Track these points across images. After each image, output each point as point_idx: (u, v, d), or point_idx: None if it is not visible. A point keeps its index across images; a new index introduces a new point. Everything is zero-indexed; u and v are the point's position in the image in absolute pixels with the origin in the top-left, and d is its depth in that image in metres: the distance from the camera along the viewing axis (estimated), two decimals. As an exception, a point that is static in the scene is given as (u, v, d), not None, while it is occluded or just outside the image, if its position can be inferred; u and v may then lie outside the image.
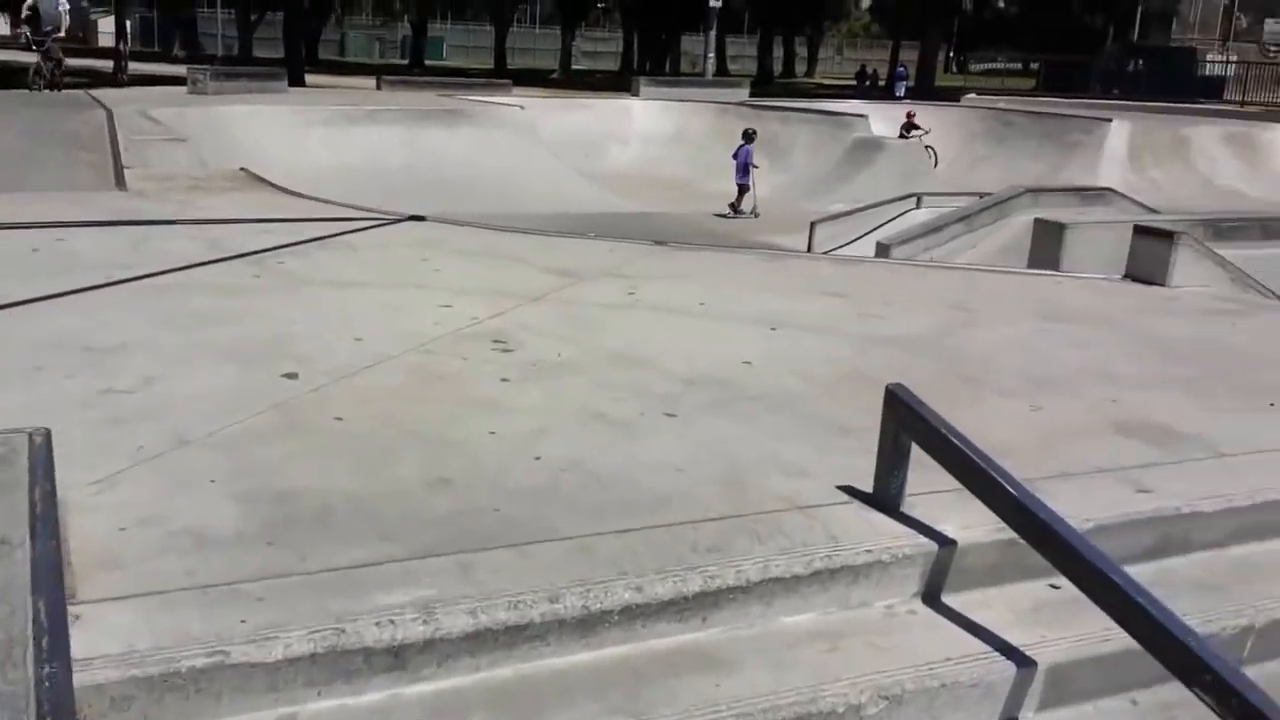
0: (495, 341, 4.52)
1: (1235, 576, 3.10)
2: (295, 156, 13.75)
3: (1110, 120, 22.79)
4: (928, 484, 2.98)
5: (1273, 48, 41.22)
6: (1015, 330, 5.38)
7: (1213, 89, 33.11)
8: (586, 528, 2.74)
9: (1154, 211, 13.31)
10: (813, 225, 15.32)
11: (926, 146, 22.43)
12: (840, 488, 3.12)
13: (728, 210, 18.49)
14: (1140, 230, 6.69)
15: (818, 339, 5.04)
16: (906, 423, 2.97)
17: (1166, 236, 6.50)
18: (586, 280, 5.91)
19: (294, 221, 7.03)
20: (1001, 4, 64.11)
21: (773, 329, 5.15)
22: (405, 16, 66.21)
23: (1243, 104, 26.84)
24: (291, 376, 3.89)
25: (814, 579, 2.70)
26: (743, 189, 18.67)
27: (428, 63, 58.06)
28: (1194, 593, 3.02)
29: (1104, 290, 6.46)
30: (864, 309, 5.73)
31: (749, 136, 19.17)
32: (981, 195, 15.35)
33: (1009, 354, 4.91)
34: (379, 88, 23.72)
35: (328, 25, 62.74)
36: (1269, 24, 44.74)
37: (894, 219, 15.32)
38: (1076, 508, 3.05)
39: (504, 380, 4.01)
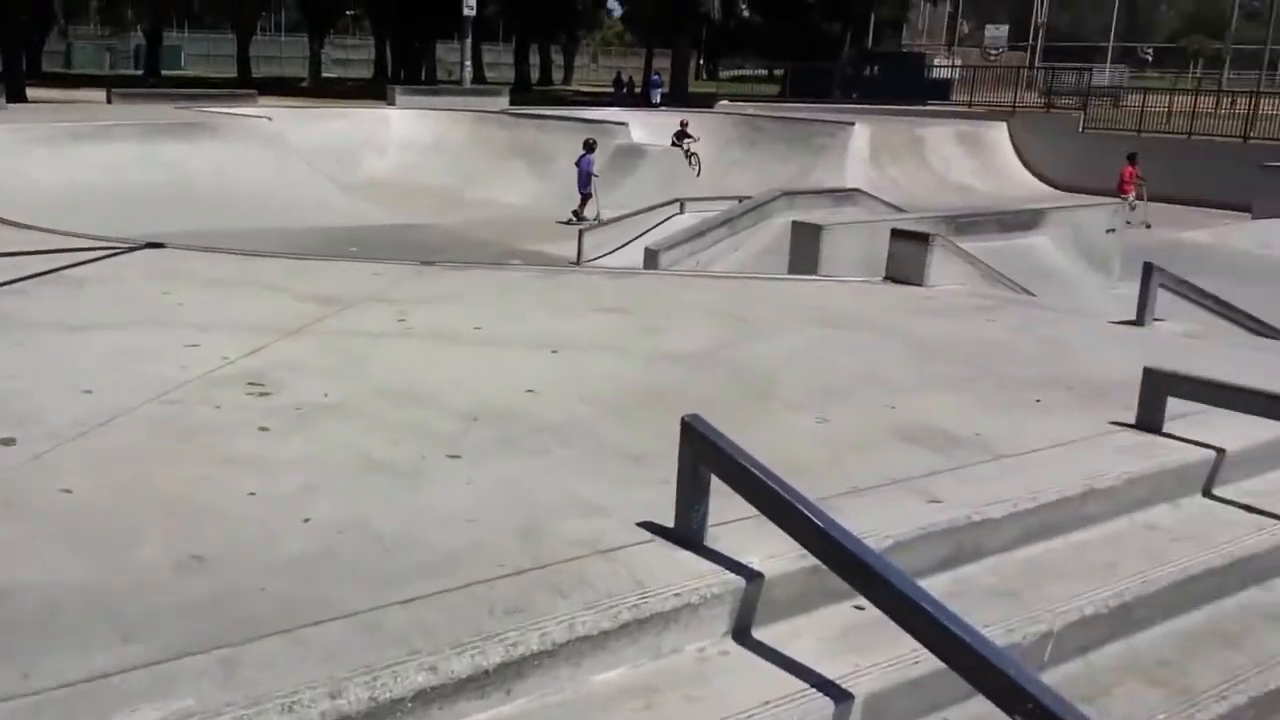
0: (251, 384, 4.11)
1: (1027, 581, 3.13)
2: (15, 180, 12.51)
3: (853, 124, 23.97)
4: (729, 511, 2.85)
5: (993, 52, 44.53)
6: (793, 339, 5.40)
7: (941, 91, 35.31)
8: (370, 600, 2.44)
9: (900, 210, 14.01)
10: (581, 233, 15.34)
11: (691, 153, 22.93)
12: (642, 525, 2.95)
13: (571, 217, 18.49)
14: (897, 233, 6.90)
15: (602, 359, 4.88)
16: (704, 454, 2.83)
17: (922, 239, 6.73)
18: (351, 307, 5.53)
19: (10, 256, 6.27)
20: (746, 14, 66.48)
21: (554, 351, 4.96)
22: (138, 25, 62.18)
23: (970, 104, 28.77)
24: (8, 443, 3.37)
25: (623, 631, 2.51)
26: (586, 196, 18.82)
27: (164, 73, 54.81)
28: (992, 600, 3.03)
29: (868, 293, 6.62)
30: (645, 324, 5.62)
31: (589, 146, 19.37)
32: (740, 199, 15.76)
33: (791, 364, 4.90)
34: (110, 101, 22.14)
35: (51, 35, 58.17)
36: (989, 30, 48.36)
37: (660, 224, 15.50)
38: (875, 524, 3.00)
39: (263, 430, 3.63)
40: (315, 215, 15.82)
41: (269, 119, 19.11)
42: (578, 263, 15.03)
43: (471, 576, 2.59)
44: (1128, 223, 16.94)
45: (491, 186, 20.73)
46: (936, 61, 44.21)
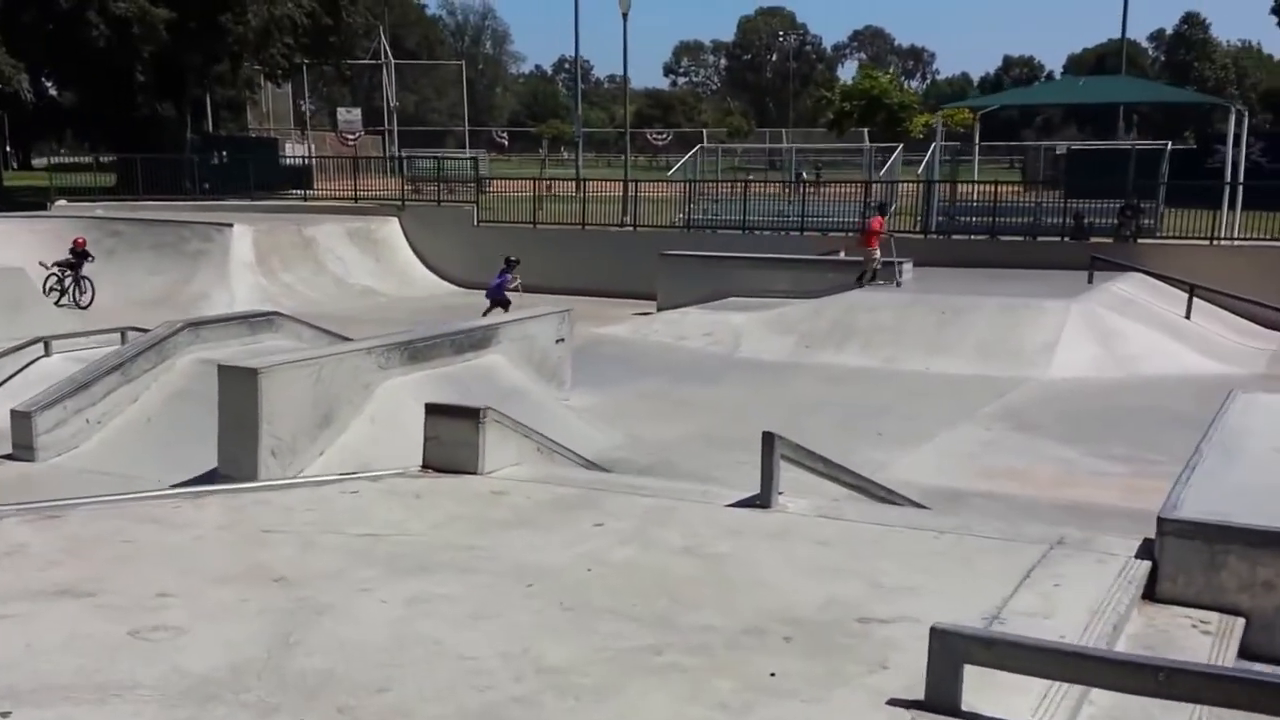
0: None
1: None
2: None
3: (232, 226, 21.95)
4: None
5: (350, 137, 44.54)
6: (372, 609, 3.95)
7: (301, 178, 33.97)
8: None
9: (338, 337, 12.67)
10: (-84, 399, 11.87)
11: (66, 276, 19.74)
12: None
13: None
14: (436, 410, 5.66)
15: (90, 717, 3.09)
16: None
17: (471, 415, 5.55)
18: None
19: None
20: (55, 92, 59.26)
21: (4, 715, 3.08)
22: None
23: (356, 199, 27.60)
24: None
25: None
26: (506, 304, 17.67)
27: None
28: None
29: (423, 496, 5.28)
30: (133, 617, 3.84)
31: (510, 264, 18.45)
32: (123, 331, 13.35)
33: (404, 665, 3.49)
34: None
35: None
36: (341, 113, 48.35)
37: (19, 373, 12.59)
38: None
39: None
40: None
41: None
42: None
43: None
44: (878, 277, 17.22)
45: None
46: (289, 149, 43.21)
